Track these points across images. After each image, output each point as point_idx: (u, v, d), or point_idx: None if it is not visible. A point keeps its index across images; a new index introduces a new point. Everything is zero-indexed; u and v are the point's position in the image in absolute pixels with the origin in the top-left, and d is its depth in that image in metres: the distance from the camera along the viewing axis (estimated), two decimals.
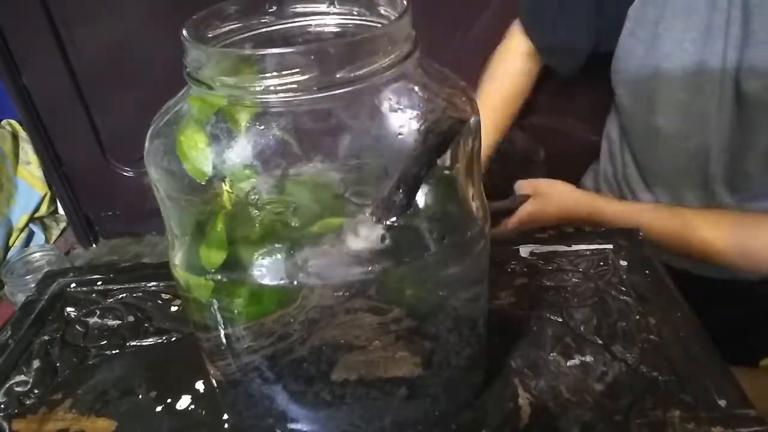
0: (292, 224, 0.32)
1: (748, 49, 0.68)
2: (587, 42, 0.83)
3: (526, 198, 0.85)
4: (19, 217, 1.62)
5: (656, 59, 0.74)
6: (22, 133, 1.62)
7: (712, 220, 0.71)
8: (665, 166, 0.81)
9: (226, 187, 0.32)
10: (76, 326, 0.54)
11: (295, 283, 0.33)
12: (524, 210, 0.84)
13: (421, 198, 0.33)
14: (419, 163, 0.32)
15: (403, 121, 0.32)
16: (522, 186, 0.87)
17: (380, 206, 0.33)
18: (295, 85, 0.30)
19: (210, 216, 0.34)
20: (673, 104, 0.75)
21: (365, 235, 0.33)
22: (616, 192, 0.91)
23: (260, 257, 0.33)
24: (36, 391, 0.48)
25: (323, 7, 0.37)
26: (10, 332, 0.53)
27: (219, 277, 0.35)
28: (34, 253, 1.42)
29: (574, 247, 0.57)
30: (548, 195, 0.84)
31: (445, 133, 0.32)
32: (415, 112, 0.33)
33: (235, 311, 0.36)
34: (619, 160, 0.89)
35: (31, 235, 1.67)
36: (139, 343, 0.52)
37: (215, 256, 0.34)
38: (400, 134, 0.32)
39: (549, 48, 0.88)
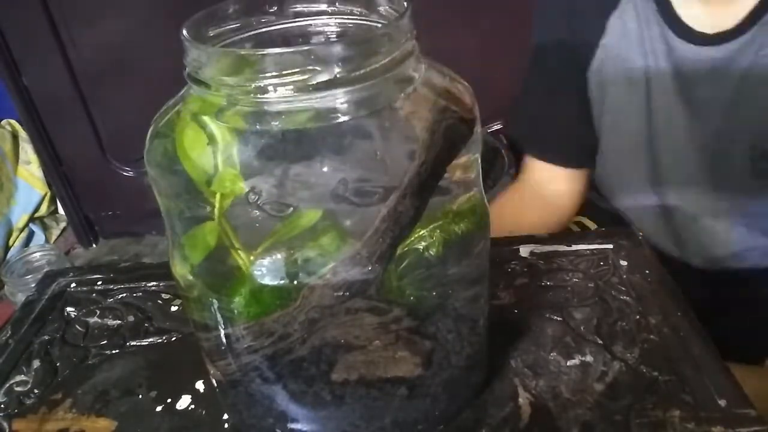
0: (292, 224, 0.32)
1: None
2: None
3: None
4: (19, 217, 1.62)
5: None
6: (22, 133, 1.63)
7: None
8: (651, 168, 0.80)
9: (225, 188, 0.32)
10: (76, 326, 0.54)
11: (295, 283, 0.33)
12: None
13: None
14: (421, 169, 0.32)
15: (403, 121, 0.32)
16: None
17: (386, 219, 0.32)
18: (295, 85, 0.30)
19: (210, 215, 0.34)
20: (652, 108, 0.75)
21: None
22: (610, 193, 0.91)
23: (260, 257, 0.33)
24: (36, 391, 0.48)
25: (323, 7, 0.37)
26: (10, 332, 0.53)
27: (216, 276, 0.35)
28: (34, 253, 1.42)
29: (574, 247, 0.57)
30: None
31: (446, 133, 0.32)
32: (415, 113, 0.33)
33: (235, 311, 0.36)
34: (611, 163, 0.89)
35: (31, 235, 1.67)
36: (139, 343, 0.52)
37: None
38: (400, 134, 0.32)
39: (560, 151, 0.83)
